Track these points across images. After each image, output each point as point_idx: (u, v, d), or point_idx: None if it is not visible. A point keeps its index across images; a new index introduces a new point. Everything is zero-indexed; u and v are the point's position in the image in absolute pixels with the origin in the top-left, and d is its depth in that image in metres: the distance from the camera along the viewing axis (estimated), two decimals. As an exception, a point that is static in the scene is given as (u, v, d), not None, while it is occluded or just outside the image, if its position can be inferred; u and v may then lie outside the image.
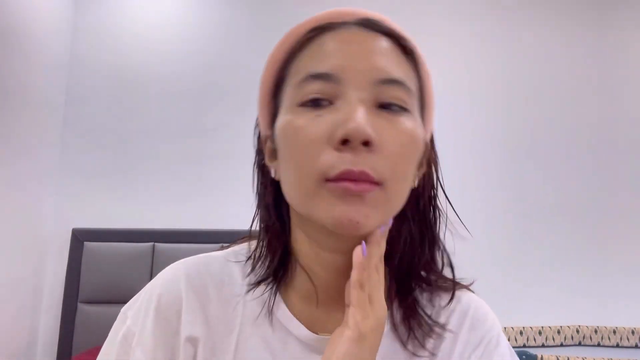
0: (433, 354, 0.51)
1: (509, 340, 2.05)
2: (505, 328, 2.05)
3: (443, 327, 0.52)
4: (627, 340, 2.13)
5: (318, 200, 0.43)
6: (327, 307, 0.48)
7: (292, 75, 0.47)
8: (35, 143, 1.97)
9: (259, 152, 0.53)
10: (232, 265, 0.55)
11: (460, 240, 0.55)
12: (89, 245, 2.00)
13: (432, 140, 0.53)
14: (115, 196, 2.13)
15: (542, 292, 2.20)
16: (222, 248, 0.59)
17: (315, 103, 0.44)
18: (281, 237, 0.52)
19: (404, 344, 0.51)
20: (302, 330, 0.50)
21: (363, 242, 0.45)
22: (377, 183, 0.42)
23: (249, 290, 0.53)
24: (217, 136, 2.15)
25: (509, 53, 2.40)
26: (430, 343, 0.51)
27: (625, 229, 2.28)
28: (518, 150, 2.33)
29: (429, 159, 0.52)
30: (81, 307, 1.95)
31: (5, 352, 1.78)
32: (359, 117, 0.41)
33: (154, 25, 2.28)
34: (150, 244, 2.02)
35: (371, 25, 0.47)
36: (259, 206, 0.54)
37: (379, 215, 0.43)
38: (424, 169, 0.52)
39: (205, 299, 0.52)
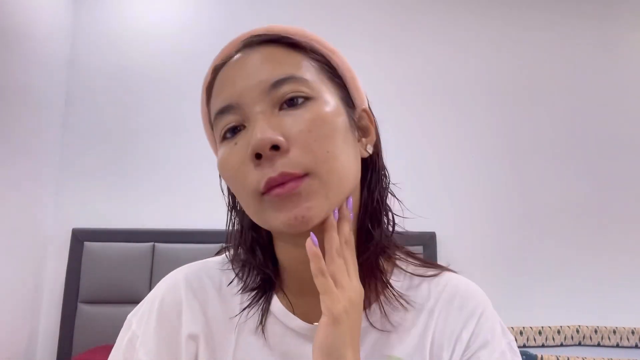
0: (424, 335, 0.52)
1: (509, 340, 2.05)
2: (505, 328, 2.05)
3: (408, 301, 0.53)
4: (627, 340, 2.13)
5: (264, 214, 0.46)
6: (316, 297, 0.47)
7: (211, 116, 0.52)
8: (35, 143, 1.97)
9: None
10: (229, 268, 0.58)
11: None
12: (89, 245, 2.00)
13: (369, 107, 0.56)
14: (116, 196, 2.13)
15: (542, 292, 2.19)
16: (222, 248, 0.61)
17: (232, 131, 0.48)
18: (265, 247, 0.55)
19: (370, 323, 0.52)
20: (297, 322, 0.52)
21: (312, 233, 0.46)
22: (304, 175, 0.44)
23: (245, 292, 0.55)
24: (217, 136, 2.14)
25: (513, 53, 2.39)
26: (408, 319, 0.53)
27: (626, 229, 2.28)
28: (520, 152, 2.32)
29: (376, 126, 0.55)
30: (81, 307, 1.95)
31: (5, 352, 1.78)
32: (259, 131, 0.44)
33: (154, 26, 2.28)
34: (150, 244, 2.02)
35: (253, 42, 0.51)
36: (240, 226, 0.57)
37: (321, 201, 0.45)
38: (372, 137, 0.54)
39: (204, 300, 0.55)
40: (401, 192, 0.57)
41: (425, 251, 2.10)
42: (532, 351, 1.98)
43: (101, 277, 1.96)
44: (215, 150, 0.55)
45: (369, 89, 0.58)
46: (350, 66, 0.54)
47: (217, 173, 0.52)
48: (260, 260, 0.54)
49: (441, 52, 2.37)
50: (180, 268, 0.58)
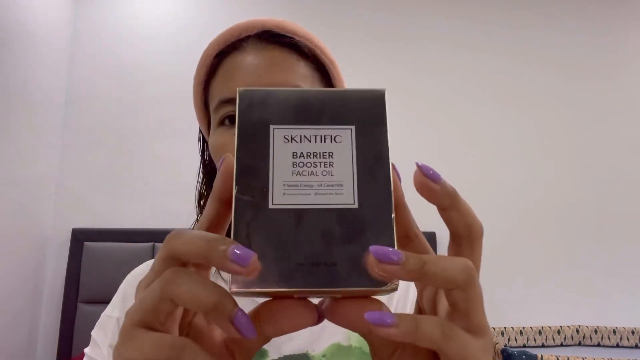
0: None
1: (508, 340, 2.05)
2: (505, 328, 2.05)
3: None
4: (627, 340, 2.13)
5: None
6: None
7: (211, 99, 0.55)
8: (36, 143, 1.97)
9: (203, 154, 0.63)
10: None
11: None
12: (89, 245, 2.00)
13: None
14: (115, 196, 2.13)
15: (542, 292, 2.20)
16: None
17: (232, 119, 0.52)
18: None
19: None
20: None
21: None
22: None
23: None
24: (217, 136, 2.14)
25: (513, 54, 2.40)
26: None
27: (626, 229, 2.28)
28: (520, 152, 2.33)
29: None
30: (81, 307, 1.95)
31: (5, 352, 1.78)
32: None
33: (154, 25, 2.28)
34: (150, 244, 2.02)
35: (269, 37, 0.54)
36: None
37: None
38: None
39: None
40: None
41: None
42: (532, 351, 1.98)
43: (101, 277, 1.96)
44: (202, 121, 0.60)
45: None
46: (342, 78, 0.58)
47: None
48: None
49: (443, 54, 2.37)
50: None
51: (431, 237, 2.12)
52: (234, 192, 0.26)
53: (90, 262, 1.98)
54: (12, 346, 1.83)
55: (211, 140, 0.55)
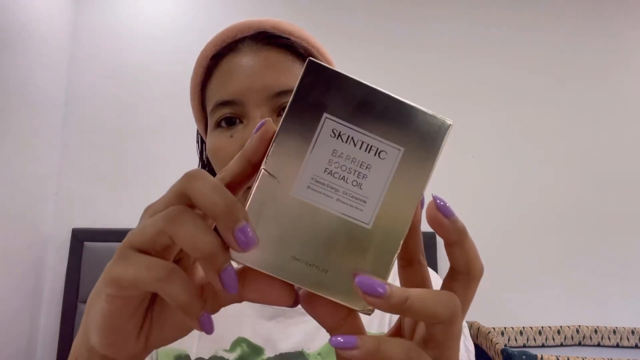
0: None
1: (508, 340, 2.05)
2: (505, 328, 2.05)
3: None
4: (627, 340, 2.13)
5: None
6: None
7: (208, 101, 0.55)
8: (35, 143, 1.97)
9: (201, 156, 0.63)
10: None
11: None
12: (89, 245, 2.00)
13: None
14: (115, 196, 2.13)
15: (542, 292, 2.19)
16: None
17: (228, 121, 0.52)
18: None
19: None
20: None
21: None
22: None
23: None
24: (217, 136, 2.14)
25: (513, 54, 2.40)
26: None
27: (626, 229, 2.28)
28: (520, 152, 2.33)
29: None
30: (81, 307, 1.95)
31: (5, 352, 1.78)
32: None
33: (155, 25, 2.28)
34: (150, 244, 2.02)
35: (264, 38, 0.55)
36: None
37: None
38: None
39: None
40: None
41: (425, 251, 2.10)
42: (532, 351, 1.98)
43: (101, 277, 1.96)
44: (200, 123, 0.61)
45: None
46: None
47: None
48: None
49: (442, 55, 2.37)
50: None
51: (431, 236, 2.12)
52: (263, 165, 0.26)
53: (90, 262, 1.98)
54: (12, 346, 1.83)
55: (208, 143, 0.55)
